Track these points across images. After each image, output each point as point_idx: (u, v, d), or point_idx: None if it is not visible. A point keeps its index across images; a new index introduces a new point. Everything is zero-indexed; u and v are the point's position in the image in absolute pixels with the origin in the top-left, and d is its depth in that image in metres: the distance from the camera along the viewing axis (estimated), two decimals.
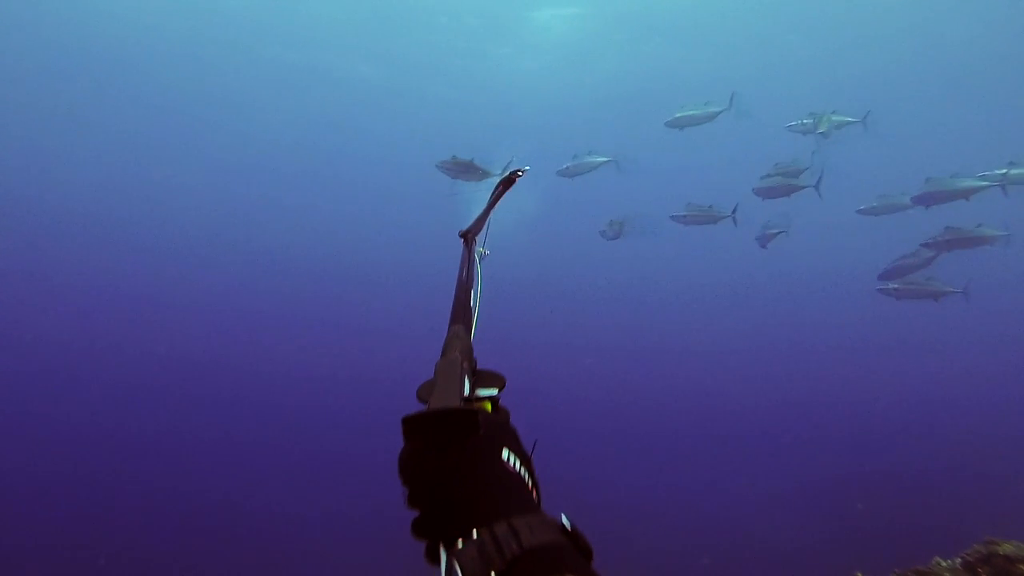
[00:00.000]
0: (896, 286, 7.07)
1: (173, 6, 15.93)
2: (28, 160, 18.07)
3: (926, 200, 7.21)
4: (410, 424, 0.58)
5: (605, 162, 9.22)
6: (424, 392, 0.68)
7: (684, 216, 8.32)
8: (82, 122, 18.11)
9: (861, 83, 15.90)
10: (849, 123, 7.89)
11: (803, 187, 7.57)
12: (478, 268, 1.19)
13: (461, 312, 0.93)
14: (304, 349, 16.64)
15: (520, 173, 1.49)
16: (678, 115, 8.93)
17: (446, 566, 0.49)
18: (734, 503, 9.90)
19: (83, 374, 14.00)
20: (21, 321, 15.20)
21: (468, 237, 1.37)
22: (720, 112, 8.80)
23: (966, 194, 6.71)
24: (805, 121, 8.16)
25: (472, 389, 0.70)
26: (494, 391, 0.71)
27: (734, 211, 8.04)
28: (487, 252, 1.42)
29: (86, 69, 17.24)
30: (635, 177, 9.77)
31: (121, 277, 17.55)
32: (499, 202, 1.46)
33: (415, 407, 0.63)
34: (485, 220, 1.42)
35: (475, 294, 1.05)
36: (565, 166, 9.33)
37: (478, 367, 0.77)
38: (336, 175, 21.18)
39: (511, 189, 1.49)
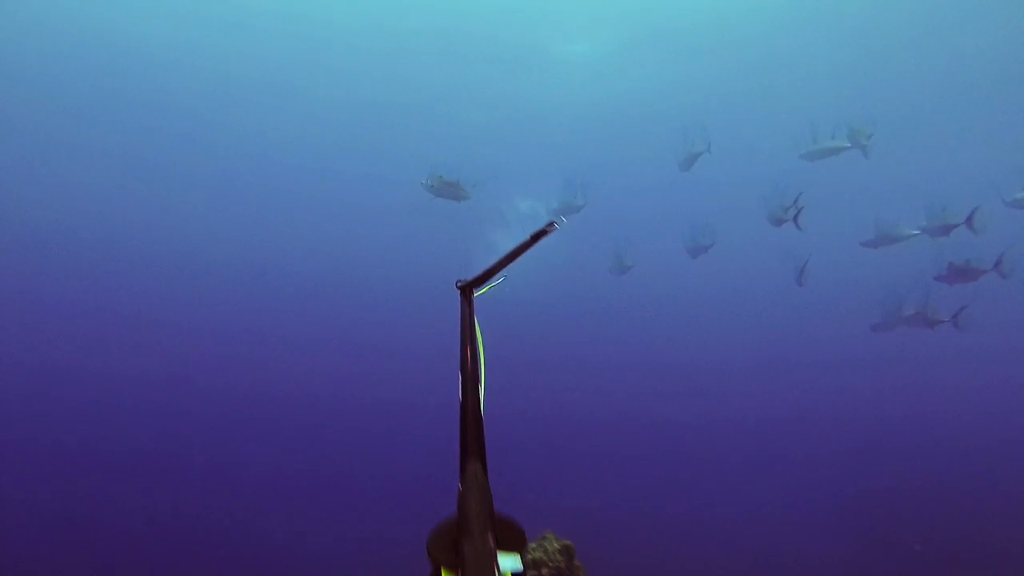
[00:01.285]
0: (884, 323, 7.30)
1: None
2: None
3: (935, 232, 7.28)
4: None
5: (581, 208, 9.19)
6: (437, 550, 0.69)
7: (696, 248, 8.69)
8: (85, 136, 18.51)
9: (879, 99, 16.01)
10: (846, 148, 7.97)
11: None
12: (478, 330, 1.11)
13: (474, 427, 0.87)
14: (315, 368, 16.86)
15: (554, 227, 1.37)
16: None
17: None
18: (761, 519, 10.00)
19: (80, 394, 13.90)
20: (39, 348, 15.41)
21: (467, 290, 1.23)
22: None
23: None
24: (814, 148, 8.24)
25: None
26: (518, 564, 0.72)
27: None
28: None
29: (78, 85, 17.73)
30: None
31: (125, 296, 17.79)
32: (520, 256, 1.32)
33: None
34: (495, 273, 1.29)
35: (480, 362, 1.01)
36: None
37: (494, 506, 0.77)
38: (361, 199, 21.36)
39: (537, 242, 1.37)
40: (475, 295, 1.24)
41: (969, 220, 6.70)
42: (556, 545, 5.26)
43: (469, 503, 0.75)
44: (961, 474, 10.49)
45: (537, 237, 1.35)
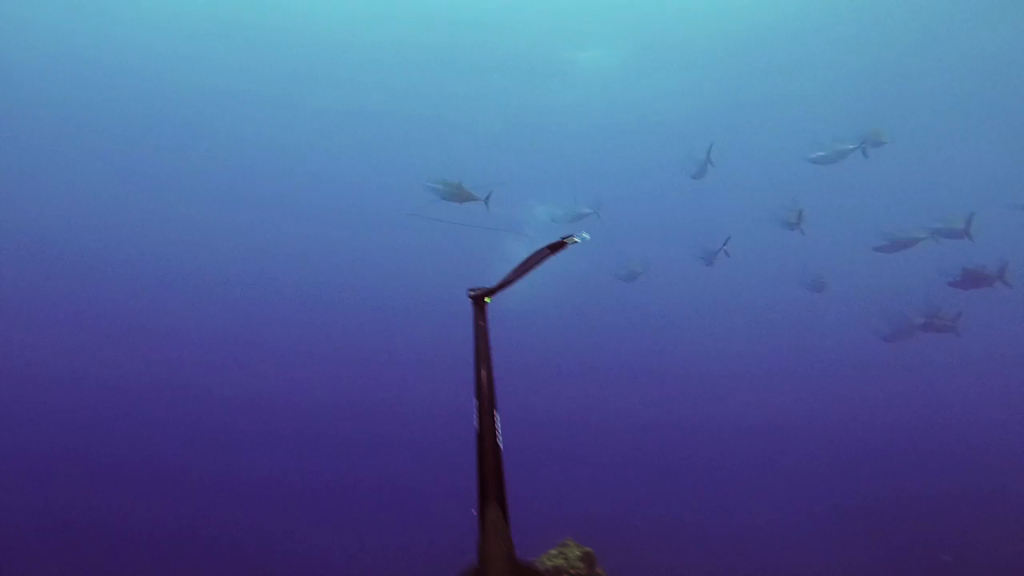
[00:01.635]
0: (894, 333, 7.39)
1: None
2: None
3: (948, 235, 7.36)
4: None
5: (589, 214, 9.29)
6: None
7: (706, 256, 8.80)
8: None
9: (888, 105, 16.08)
10: (851, 150, 8.08)
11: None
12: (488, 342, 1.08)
13: (492, 467, 0.85)
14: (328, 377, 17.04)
15: (573, 240, 1.35)
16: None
17: None
18: (767, 526, 10.04)
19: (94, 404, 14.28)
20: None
21: (480, 300, 1.19)
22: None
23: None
24: (821, 153, 8.37)
25: None
26: None
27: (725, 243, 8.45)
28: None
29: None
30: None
31: (141, 305, 18.01)
32: (537, 267, 1.30)
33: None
34: (510, 283, 1.26)
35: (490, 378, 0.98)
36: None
37: (515, 553, 0.77)
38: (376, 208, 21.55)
39: (553, 255, 1.33)
40: (486, 305, 1.18)
41: (967, 226, 6.78)
42: (577, 552, 5.35)
43: (489, 551, 0.74)
44: (982, 480, 10.43)
45: (555, 249, 1.32)
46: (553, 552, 5.42)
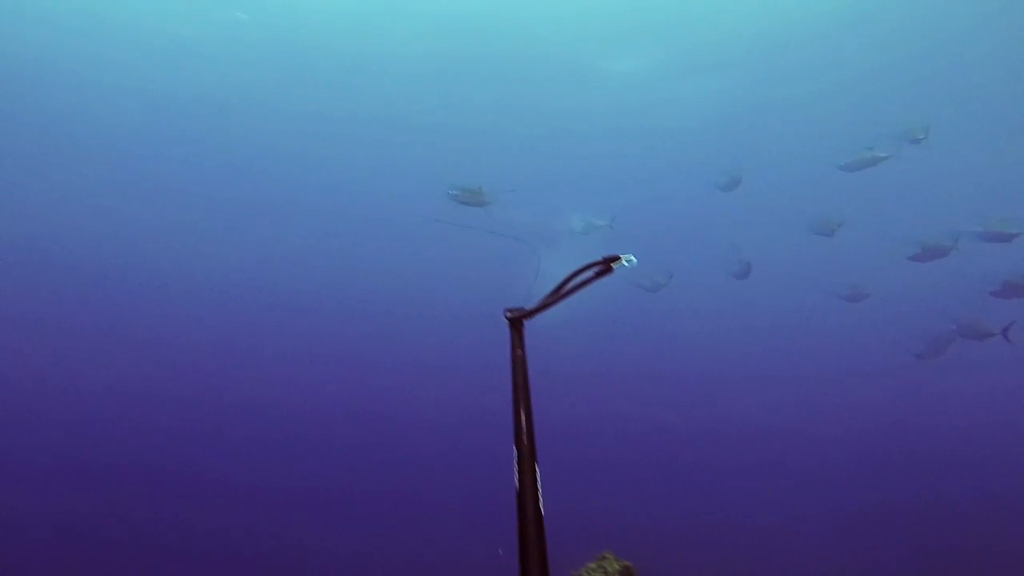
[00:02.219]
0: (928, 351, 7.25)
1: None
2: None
3: (989, 239, 7.17)
4: None
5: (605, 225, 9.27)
6: None
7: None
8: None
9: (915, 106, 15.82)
10: (883, 158, 7.97)
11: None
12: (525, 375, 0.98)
13: (535, 538, 0.76)
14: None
15: (621, 262, 1.24)
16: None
17: None
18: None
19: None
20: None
21: (518, 323, 1.08)
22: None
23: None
24: (850, 159, 8.28)
25: None
26: None
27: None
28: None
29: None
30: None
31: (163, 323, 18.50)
32: (580, 289, 1.18)
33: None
34: (550, 305, 1.15)
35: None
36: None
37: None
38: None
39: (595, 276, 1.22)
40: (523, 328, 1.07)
41: (1007, 230, 6.65)
42: (616, 566, 5.30)
43: None
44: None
45: (602, 273, 1.22)
46: (592, 566, 5.38)
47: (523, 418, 0.86)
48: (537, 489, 0.80)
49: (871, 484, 11.42)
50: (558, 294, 1.16)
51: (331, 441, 14.28)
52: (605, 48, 16.65)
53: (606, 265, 1.21)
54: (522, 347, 1.01)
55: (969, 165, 16.84)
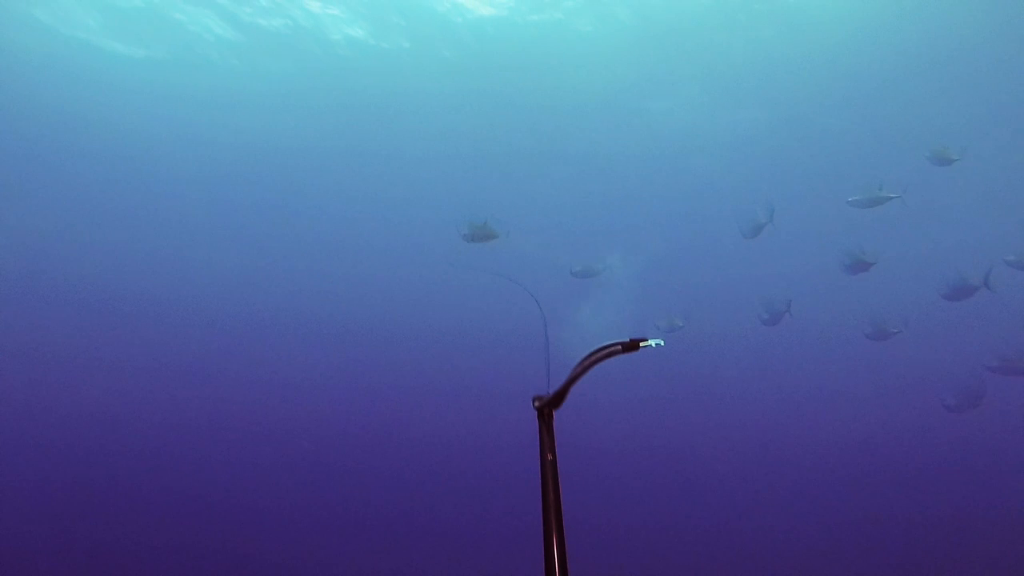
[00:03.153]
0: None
1: None
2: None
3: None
4: None
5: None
6: None
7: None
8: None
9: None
10: (891, 198, 7.88)
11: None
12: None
13: None
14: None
15: (647, 344, 1.19)
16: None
17: None
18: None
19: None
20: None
21: (546, 412, 1.04)
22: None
23: None
24: (858, 197, 8.20)
25: None
26: None
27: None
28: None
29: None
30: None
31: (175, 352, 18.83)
32: (600, 363, 1.16)
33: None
34: (572, 384, 1.13)
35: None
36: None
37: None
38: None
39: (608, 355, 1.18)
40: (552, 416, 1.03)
41: (986, 280, 6.57)
42: None
43: None
44: None
45: (627, 348, 1.18)
46: None
47: (555, 540, 0.74)
48: None
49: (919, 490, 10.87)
50: (578, 372, 1.14)
51: (354, 464, 14.23)
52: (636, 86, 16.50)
53: (632, 345, 1.19)
54: (553, 449, 0.94)
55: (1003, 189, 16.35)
